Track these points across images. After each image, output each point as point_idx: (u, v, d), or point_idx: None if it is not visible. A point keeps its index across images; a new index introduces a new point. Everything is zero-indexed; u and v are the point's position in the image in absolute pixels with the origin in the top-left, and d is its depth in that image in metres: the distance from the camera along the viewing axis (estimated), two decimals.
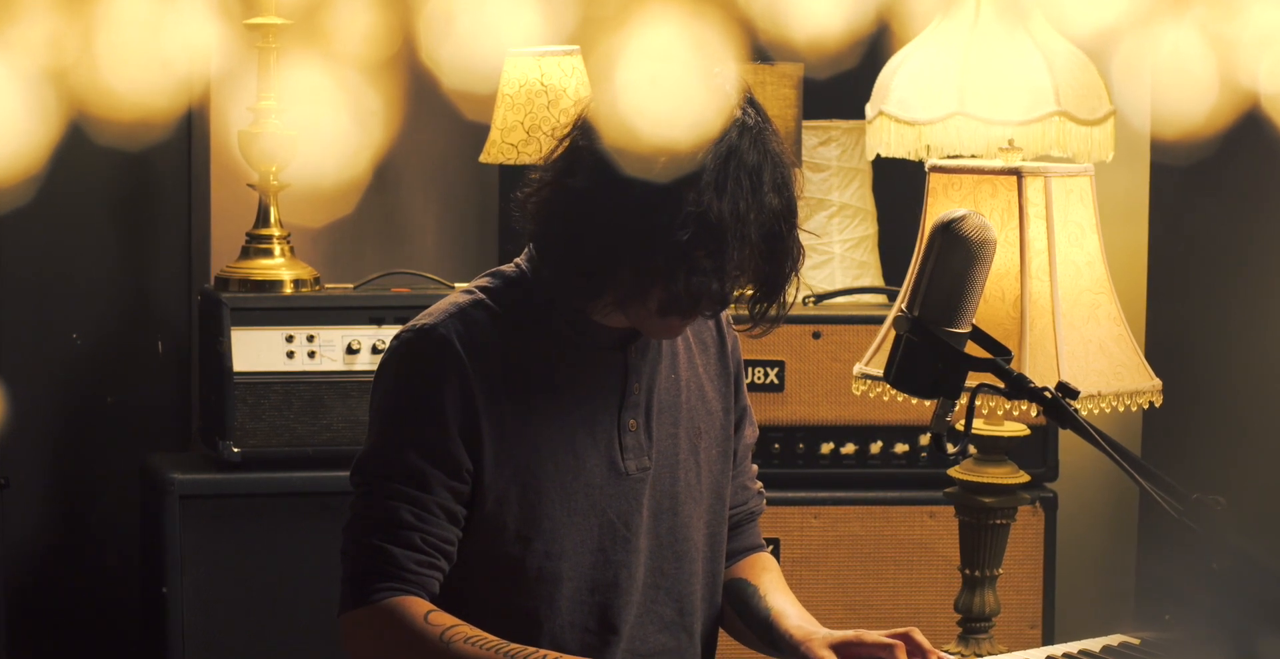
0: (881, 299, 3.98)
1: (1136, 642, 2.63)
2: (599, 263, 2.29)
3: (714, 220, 2.22)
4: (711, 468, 2.50)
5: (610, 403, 2.40)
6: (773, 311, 2.36)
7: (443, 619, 2.28)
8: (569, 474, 2.36)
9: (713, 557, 2.52)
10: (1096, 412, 2.77)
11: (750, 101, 2.31)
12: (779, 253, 2.32)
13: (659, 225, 2.22)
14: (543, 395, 2.36)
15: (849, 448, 3.82)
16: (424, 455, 2.31)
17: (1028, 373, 2.64)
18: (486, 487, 2.33)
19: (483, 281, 2.43)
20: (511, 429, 2.34)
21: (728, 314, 2.56)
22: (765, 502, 2.68)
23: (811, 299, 3.87)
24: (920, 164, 3.18)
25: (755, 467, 2.65)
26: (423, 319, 2.37)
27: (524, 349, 2.36)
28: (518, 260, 2.44)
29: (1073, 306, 2.79)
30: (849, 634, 2.40)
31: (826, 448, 3.82)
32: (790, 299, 2.37)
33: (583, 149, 2.30)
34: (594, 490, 2.38)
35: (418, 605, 2.29)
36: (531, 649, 2.25)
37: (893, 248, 3.98)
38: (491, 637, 2.27)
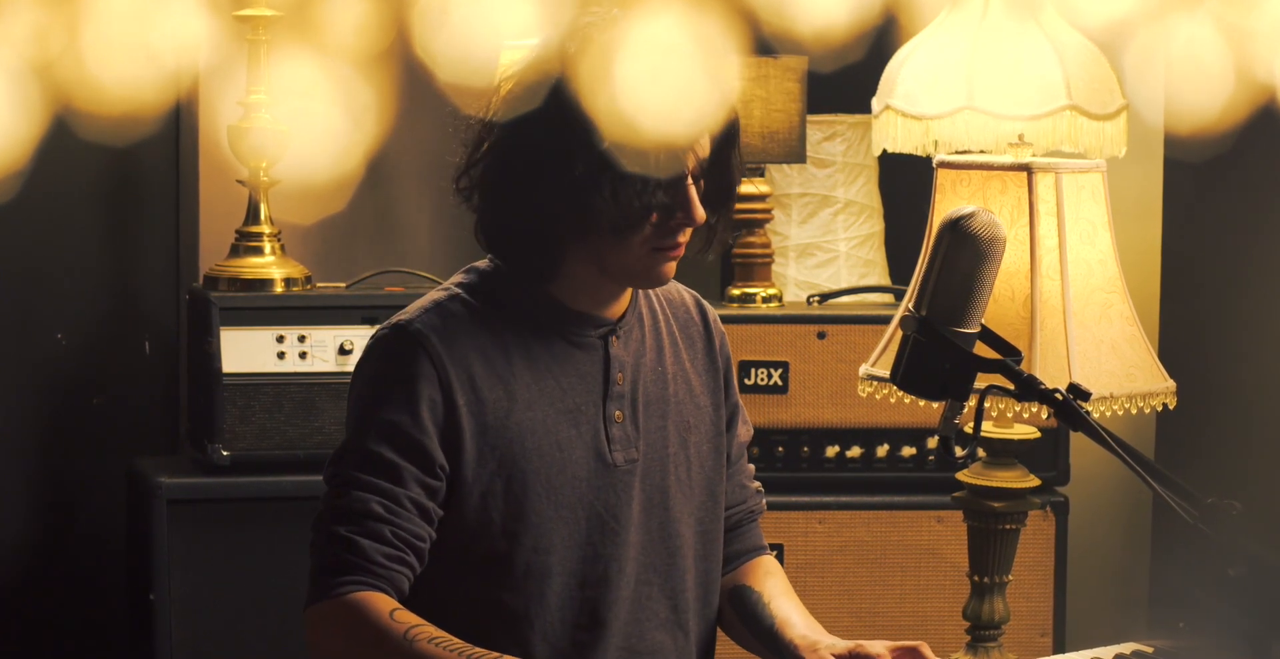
0: (888, 298, 3.99)
1: (1149, 650, 2.63)
2: (534, 203, 2.32)
3: None
4: (703, 464, 2.51)
5: (593, 394, 2.41)
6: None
7: (407, 617, 2.27)
8: (554, 467, 2.38)
9: (705, 554, 2.51)
10: (1109, 414, 2.77)
11: None
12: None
13: (576, 134, 2.26)
14: (524, 388, 2.38)
15: (854, 451, 3.82)
16: (396, 449, 2.31)
17: (1038, 374, 2.65)
18: (470, 483, 2.34)
19: (459, 278, 2.47)
20: (493, 423, 2.35)
21: (714, 313, 2.60)
22: (765, 502, 2.68)
23: (816, 298, 3.86)
24: (928, 160, 3.19)
25: (752, 467, 2.66)
26: (399, 316, 2.41)
27: (502, 342, 2.39)
28: (491, 255, 2.47)
29: (1084, 306, 2.79)
30: (850, 645, 2.40)
31: (831, 451, 3.81)
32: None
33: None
34: (580, 483, 2.39)
35: (383, 602, 2.28)
36: (495, 654, 2.23)
37: (899, 246, 4.01)
38: (456, 639, 2.25)
